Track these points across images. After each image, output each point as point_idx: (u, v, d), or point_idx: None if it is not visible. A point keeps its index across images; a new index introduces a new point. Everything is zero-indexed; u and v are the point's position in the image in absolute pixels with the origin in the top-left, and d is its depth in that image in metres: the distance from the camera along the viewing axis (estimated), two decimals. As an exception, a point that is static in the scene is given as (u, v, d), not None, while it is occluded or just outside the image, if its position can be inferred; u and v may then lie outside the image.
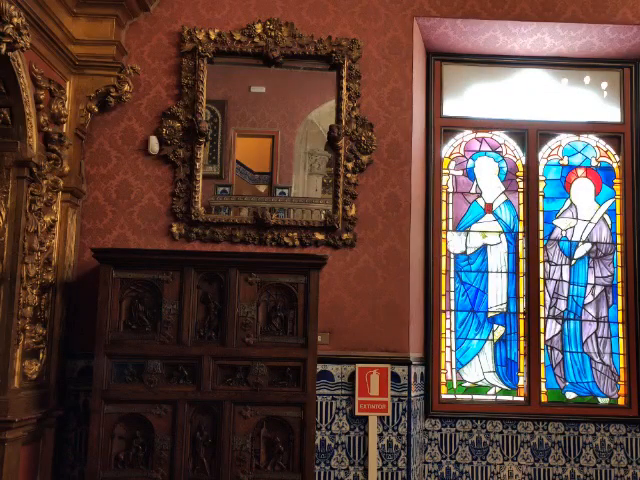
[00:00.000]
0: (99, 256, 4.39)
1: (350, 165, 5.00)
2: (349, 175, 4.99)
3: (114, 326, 4.34)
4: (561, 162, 5.60)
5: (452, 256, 5.48)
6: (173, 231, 4.91)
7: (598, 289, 5.47)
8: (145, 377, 4.30)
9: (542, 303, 5.40)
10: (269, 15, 5.11)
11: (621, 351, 5.40)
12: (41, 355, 4.37)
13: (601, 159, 5.61)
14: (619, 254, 5.49)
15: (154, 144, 4.93)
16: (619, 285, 5.46)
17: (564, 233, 5.51)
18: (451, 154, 5.59)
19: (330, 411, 4.79)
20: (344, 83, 5.02)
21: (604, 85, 5.64)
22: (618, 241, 5.51)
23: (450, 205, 5.53)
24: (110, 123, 5.01)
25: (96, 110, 4.81)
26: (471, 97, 5.62)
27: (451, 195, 5.55)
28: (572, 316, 5.43)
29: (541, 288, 5.41)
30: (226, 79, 5.09)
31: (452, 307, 5.41)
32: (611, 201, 5.57)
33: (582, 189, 5.59)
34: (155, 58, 5.07)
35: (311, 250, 4.92)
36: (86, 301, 4.72)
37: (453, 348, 5.38)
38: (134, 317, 4.38)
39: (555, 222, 5.53)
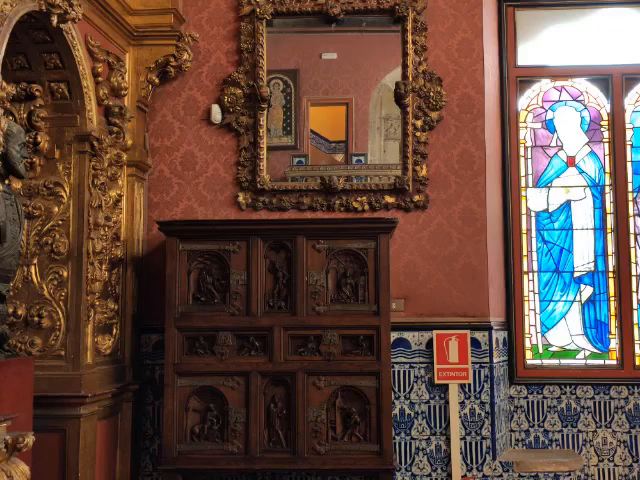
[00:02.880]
0: (164, 228, 4.35)
1: (419, 123, 4.78)
2: (418, 134, 4.77)
3: (183, 299, 4.30)
4: (650, 107, 5.25)
5: (533, 214, 5.24)
6: (239, 201, 4.82)
7: (695, 242, 5.12)
8: (216, 349, 4.25)
9: (633, 260, 5.09)
10: (328, -30, 4.91)
11: None
12: (114, 330, 4.38)
13: (695, 102, 5.23)
14: None
15: (216, 113, 4.84)
16: None
17: (655, 184, 5.19)
18: (528, 106, 5.31)
19: (408, 380, 4.64)
20: (409, 37, 4.79)
21: (695, 20, 5.21)
22: None
23: (529, 160, 5.28)
24: (172, 94, 4.93)
25: (157, 81, 4.74)
26: (548, 43, 5.32)
27: (530, 149, 5.29)
28: (667, 273, 5.10)
29: (632, 244, 5.11)
30: (296, 47, 4.99)
31: (534, 268, 5.16)
32: None
33: (674, 135, 5.25)
34: (214, 24, 4.95)
35: (382, 214, 4.76)
36: (157, 275, 4.69)
37: (537, 311, 5.14)
38: (203, 289, 4.32)
39: (645, 173, 5.21)
